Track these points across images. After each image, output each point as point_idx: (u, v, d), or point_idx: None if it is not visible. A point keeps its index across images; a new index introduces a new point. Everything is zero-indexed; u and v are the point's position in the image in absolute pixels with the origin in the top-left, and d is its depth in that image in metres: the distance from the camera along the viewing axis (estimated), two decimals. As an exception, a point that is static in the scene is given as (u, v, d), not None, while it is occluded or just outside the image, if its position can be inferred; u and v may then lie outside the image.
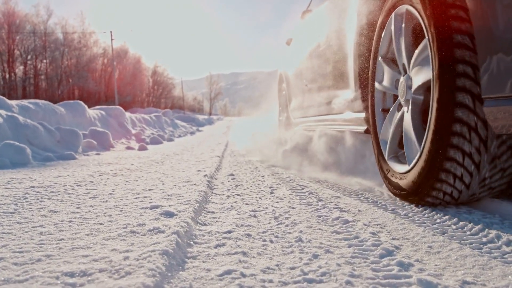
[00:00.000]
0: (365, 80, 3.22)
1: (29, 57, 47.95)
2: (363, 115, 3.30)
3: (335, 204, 2.55)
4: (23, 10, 56.76)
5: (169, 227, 1.79)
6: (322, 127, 4.64)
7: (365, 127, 3.28)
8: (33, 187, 3.08)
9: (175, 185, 3.26)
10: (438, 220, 2.10)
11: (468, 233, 1.85)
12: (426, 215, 2.23)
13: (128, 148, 9.25)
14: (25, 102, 8.09)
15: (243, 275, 1.34)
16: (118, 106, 12.99)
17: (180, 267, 1.42)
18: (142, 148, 8.92)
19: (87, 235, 1.77)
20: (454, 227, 1.96)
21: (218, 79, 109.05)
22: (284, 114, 7.17)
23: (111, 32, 39.55)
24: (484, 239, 1.74)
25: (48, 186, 3.17)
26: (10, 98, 8.35)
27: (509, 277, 1.31)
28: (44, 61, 49.36)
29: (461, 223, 1.99)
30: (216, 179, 3.94)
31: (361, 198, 2.85)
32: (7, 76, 46.30)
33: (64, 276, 1.23)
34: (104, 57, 54.78)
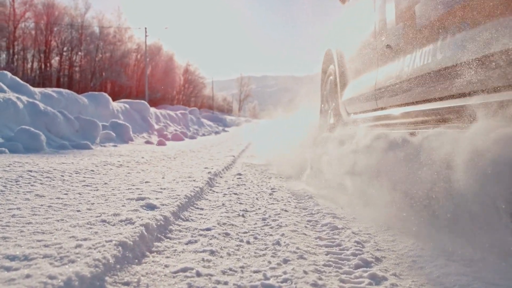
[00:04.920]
0: None
1: (65, 48, 49.08)
2: None
3: None
4: (63, 3, 58.25)
5: (142, 219, 1.72)
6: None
7: None
8: (30, 171, 3.07)
9: (174, 180, 3.19)
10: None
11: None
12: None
13: (147, 142, 9.28)
14: (48, 90, 8.21)
15: (198, 275, 1.25)
16: (142, 101, 13.08)
17: (136, 261, 1.34)
18: (160, 143, 8.94)
19: (58, 221, 1.71)
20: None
21: (248, 81, 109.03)
22: (330, 111, 4.81)
23: (145, 28, 40.05)
24: (476, 258, 1.60)
25: (46, 171, 3.15)
26: (44, 87, 8.51)
27: (489, 300, 1.18)
28: (79, 53, 50.47)
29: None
30: (221, 177, 3.86)
31: None
32: (42, 66, 47.54)
33: (4, 259, 1.17)
34: (138, 52, 55.58)
